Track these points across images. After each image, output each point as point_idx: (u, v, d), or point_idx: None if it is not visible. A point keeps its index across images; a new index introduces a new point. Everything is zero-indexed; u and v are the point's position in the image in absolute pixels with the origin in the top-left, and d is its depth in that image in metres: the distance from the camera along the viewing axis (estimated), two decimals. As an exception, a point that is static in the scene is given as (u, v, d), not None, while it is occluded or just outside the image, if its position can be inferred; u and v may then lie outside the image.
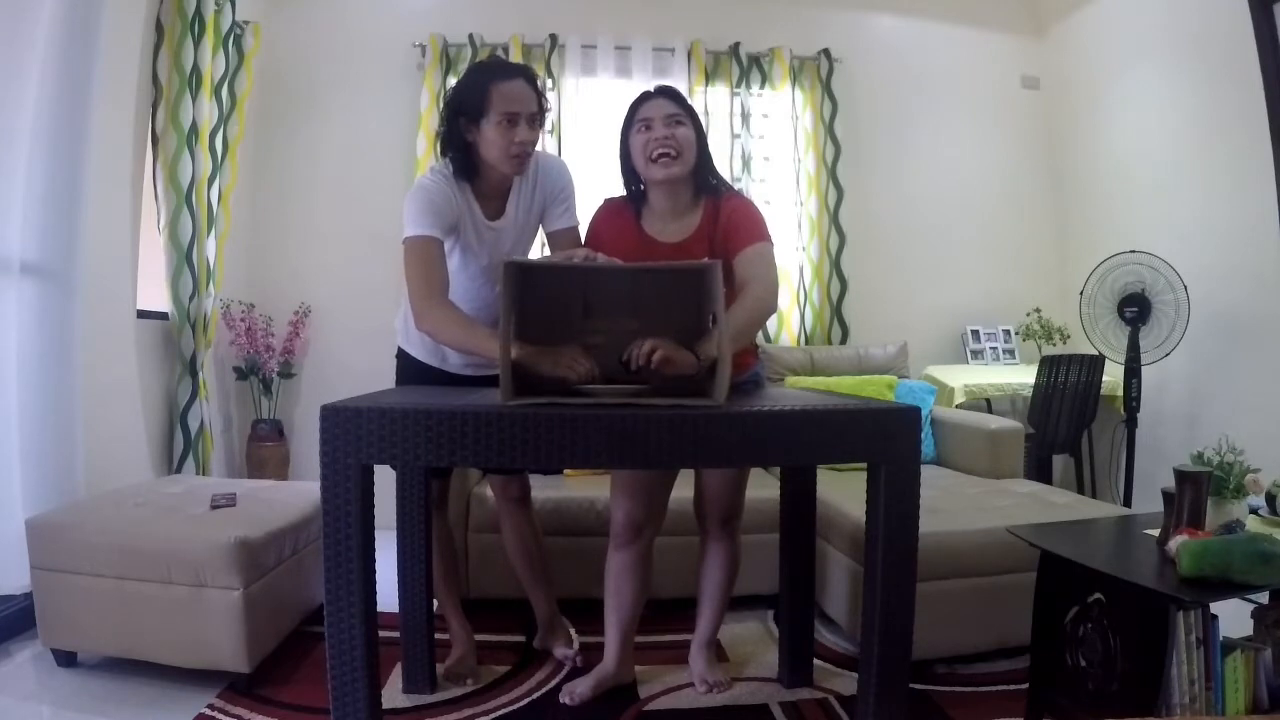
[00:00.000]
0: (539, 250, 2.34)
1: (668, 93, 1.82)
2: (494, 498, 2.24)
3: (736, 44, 3.82)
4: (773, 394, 1.88)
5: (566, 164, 2.03)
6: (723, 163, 3.65)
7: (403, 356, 2.06)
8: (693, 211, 1.84)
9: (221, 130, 3.25)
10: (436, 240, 1.76)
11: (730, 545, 2.03)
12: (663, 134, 1.75)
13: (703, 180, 1.85)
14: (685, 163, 1.77)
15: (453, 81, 3.58)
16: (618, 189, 1.93)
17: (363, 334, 3.64)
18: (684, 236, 1.83)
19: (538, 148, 1.89)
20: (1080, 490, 3.53)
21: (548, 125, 3.63)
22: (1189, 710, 1.36)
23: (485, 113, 1.75)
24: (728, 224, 1.80)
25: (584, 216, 1.96)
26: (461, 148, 1.81)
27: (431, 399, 1.43)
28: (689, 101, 1.84)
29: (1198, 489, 1.58)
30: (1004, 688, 2.02)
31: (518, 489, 2.17)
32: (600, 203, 1.94)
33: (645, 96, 1.82)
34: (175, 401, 3.02)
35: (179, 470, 2.96)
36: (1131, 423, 3.36)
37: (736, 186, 3.62)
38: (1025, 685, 1.76)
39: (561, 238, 1.95)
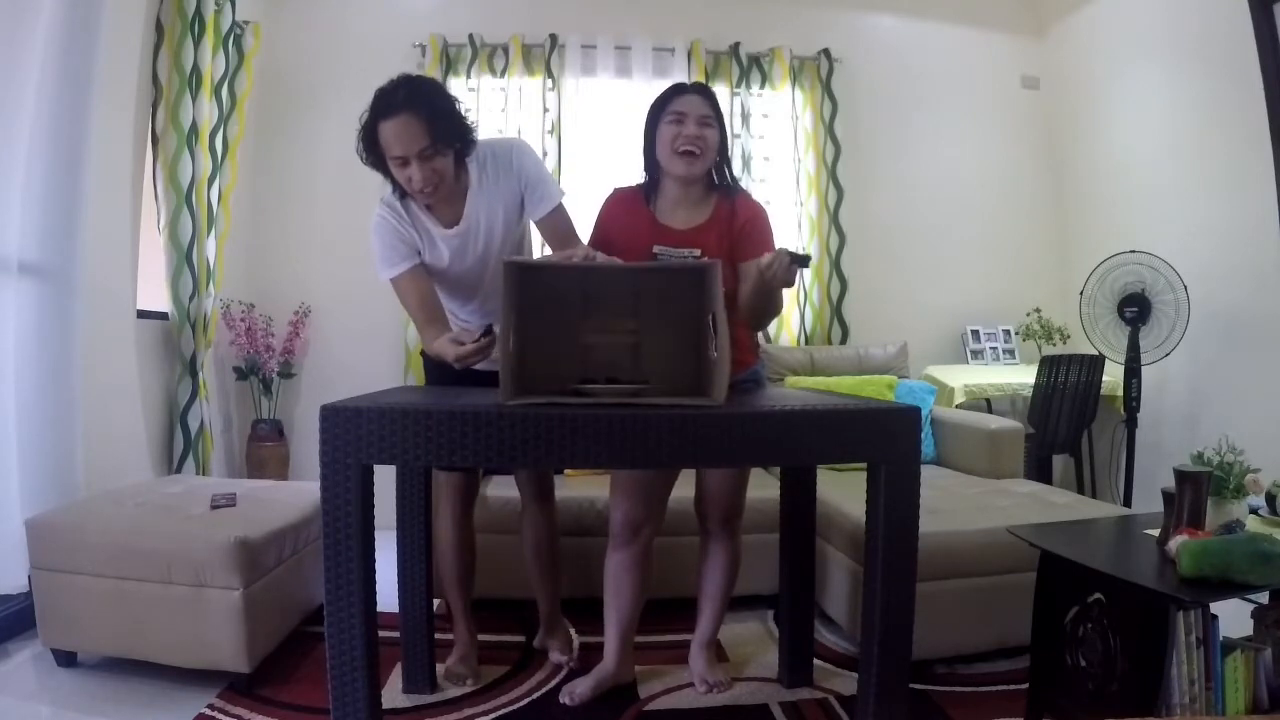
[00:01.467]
0: (539, 249, 2.34)
1: (703, 92, 1.87)
2: (518, 494, 2.24)
3: (736, 44, 3.82)
4: (773, 394, 1.88)
5: (520, 142, 1.96)
6: (723, 163, 3.66)
7: (426, 357, 2.07)
8: (704, 204, 1.89)
9: (221, 130, 3.24)
10: (407, 271, 1.83)
11: (731, 545, 2.03)
12: (694, 133, 1.80)
13: (717, 176, 1.90)
14: (706, 162, 1.84)
15: (453, 82, 3.60)
16: (614, 186, 1.96)
17: (363, 334, 3.65)
18: (695, 224, 1.87)
19: (514, 133, 1.89)
20: (1080, 490, 3.53)
21: (547, 125, 3.64)
22: (1189, 710, 1.36)
23: (381, 153, 1.76)
24: (745, 229, 1.85)
25: (585, 214, 1.96)
26: (389, 174, 1.81)
27: (431, 399, 1.43)
28: (719, 103, 1.87)
29: (1198, 489, 1.58)
30: (1004, 688, 2.02)
31: (542, 487, 2.18)
32: (610, 191, 1.96)
33: (681, 89, 1.86)
34: (175, 401, 3.02)
35: (179, 470, 2.96)
36: (1131, 423, 3.36)
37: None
38: (1025, 685, 1.77)
39: (547, 224, 1.93)
